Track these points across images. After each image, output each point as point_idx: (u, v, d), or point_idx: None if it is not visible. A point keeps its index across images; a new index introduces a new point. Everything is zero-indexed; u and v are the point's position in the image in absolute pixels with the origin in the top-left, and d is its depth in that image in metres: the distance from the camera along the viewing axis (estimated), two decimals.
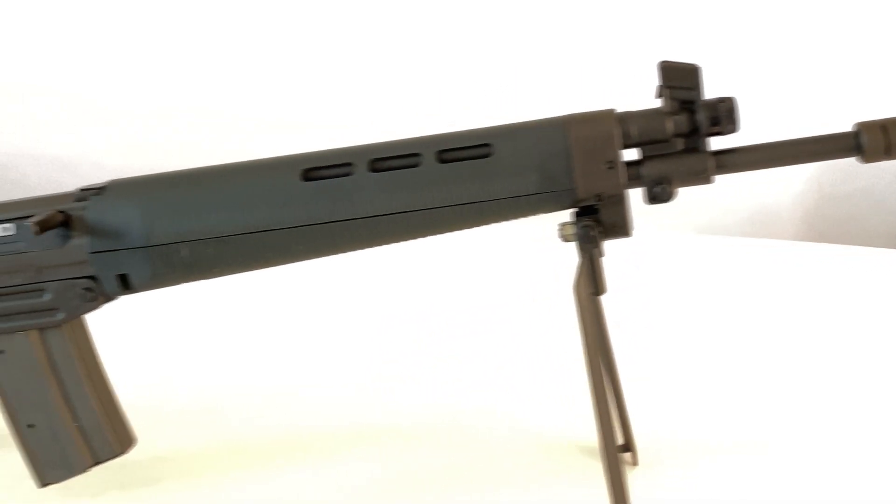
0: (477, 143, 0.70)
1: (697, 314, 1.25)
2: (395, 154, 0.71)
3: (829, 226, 1.84)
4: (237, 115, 1.93)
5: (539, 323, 1.22)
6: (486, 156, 0.69)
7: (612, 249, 0.75)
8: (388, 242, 0.73)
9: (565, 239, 0.72)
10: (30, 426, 0.80)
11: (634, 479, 0.85)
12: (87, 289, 0.77)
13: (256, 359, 1.16)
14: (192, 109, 1.95)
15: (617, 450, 0.69)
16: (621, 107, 0.70)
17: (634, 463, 0.88)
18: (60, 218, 0.75)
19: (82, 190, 0.76)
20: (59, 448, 0.80)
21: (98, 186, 0.76)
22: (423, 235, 0.72)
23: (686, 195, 0.71)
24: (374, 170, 0.71)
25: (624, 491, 0.68)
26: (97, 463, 0.81)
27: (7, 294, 0.78)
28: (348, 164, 0.71)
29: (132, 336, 0.89)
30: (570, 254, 0.70)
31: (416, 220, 0.71)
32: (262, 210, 0.73)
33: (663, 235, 1.54)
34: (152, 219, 0.74)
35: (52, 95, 2.01)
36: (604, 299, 0.71)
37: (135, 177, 0.76)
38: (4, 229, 0.77)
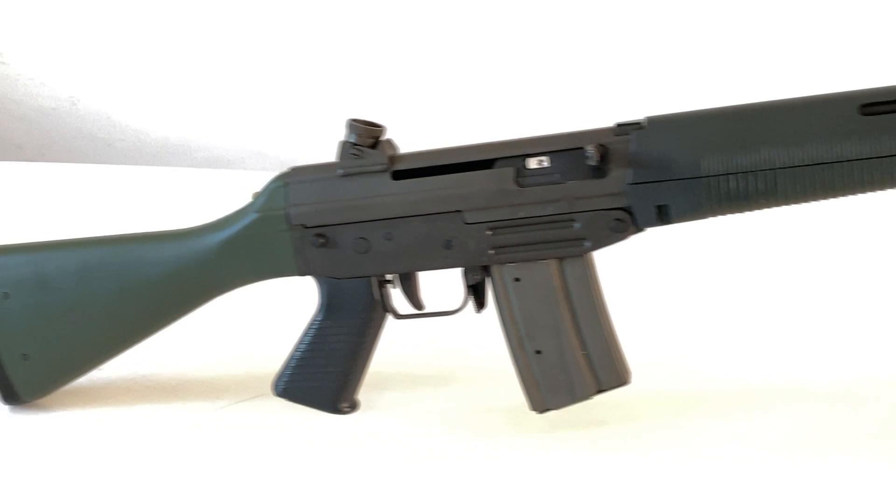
0: None
1: None
2: None
3: None
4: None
5: None
6: None
7: None
8: None
9: None
10: (537, 352, 0.85)
11: None
12: (619, 220, 0.81)
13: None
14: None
15: None
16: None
17: None
18: (603, 150, 0.79)
19: (619, 125, 0.81)
20: (565, 375, 0.84)
21: (636, 122, 0.80)
22: None
23: None
24: None
25: None
26: (600, 391, 0.84)
27: (537, 224, 0.83)
28: None
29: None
30: None
31: None
32: (815, 144, 0.75)
33: None
34: (702, 151, 0.78)
35: None
36: None
37: (674, 113, 0.80)
38: (539, 162, 0.82)
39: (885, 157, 0.74)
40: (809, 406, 0.92)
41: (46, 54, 2.39)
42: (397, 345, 1.01)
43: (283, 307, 1.06)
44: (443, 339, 1.05)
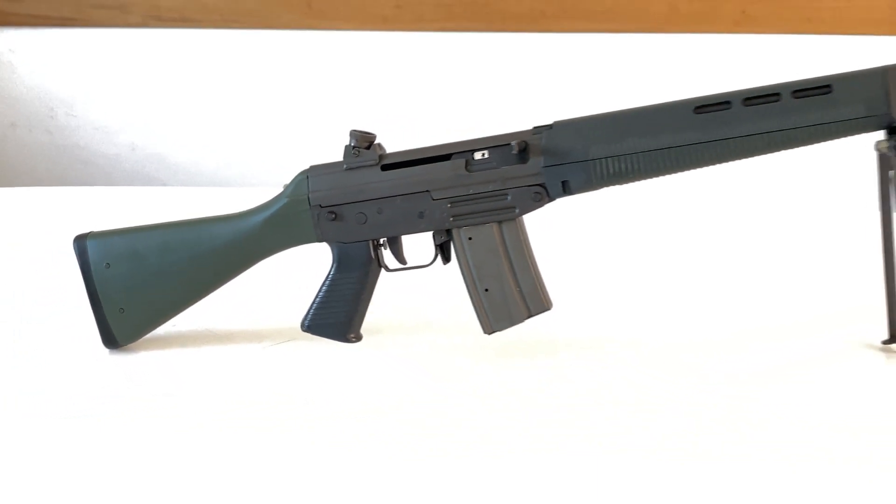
0: (821, 85, 1.05)
1: None
2: (763, 94, 1.07)
3: None
4: None
5: None
6: (827, 92, 1.04)
7: None
8: (753, 156, 1.08)
9: (880, 151, 1.06)
10: (486, 290, 1.19)
11: None
12: (537, 192, 1.16)
13: None
14: None
15: None
16: None
17: None
18: (524, 145, 1.14)
19: (535, 128, 1.16)
20: (505, 305, 1.18)
21: (547, 125, 1.15)
22: (780, 150, 1.07)
23: None
24: (747, 104, 1.07)
25: None
26: (530, 315, 1.18)
27: (481, 198, 1.17)
28: (728, 102, 1.08)
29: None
30: None
31: (777, 137, 1.06)
32: (666, 135, 1.10)
33: None
34: (589, 142, 1.12)
35: None
36: None
37: (572, 118, 1.15)
38: (482, 155, 1.17)
39: (712, 141, 1.08)
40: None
41: (109, 107, 2.78)
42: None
43: (298, 275, 1.39)
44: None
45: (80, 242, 1.29)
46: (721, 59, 2.45)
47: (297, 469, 0.94)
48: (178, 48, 2.65)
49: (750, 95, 1.07)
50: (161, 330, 1.33)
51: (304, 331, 1.27)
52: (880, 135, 1.05)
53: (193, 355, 1.29)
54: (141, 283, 1.28)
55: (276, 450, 0.99)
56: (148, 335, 1.32)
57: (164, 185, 2.81)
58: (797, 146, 1.07)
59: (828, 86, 1.05)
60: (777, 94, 1.06)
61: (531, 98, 2.44)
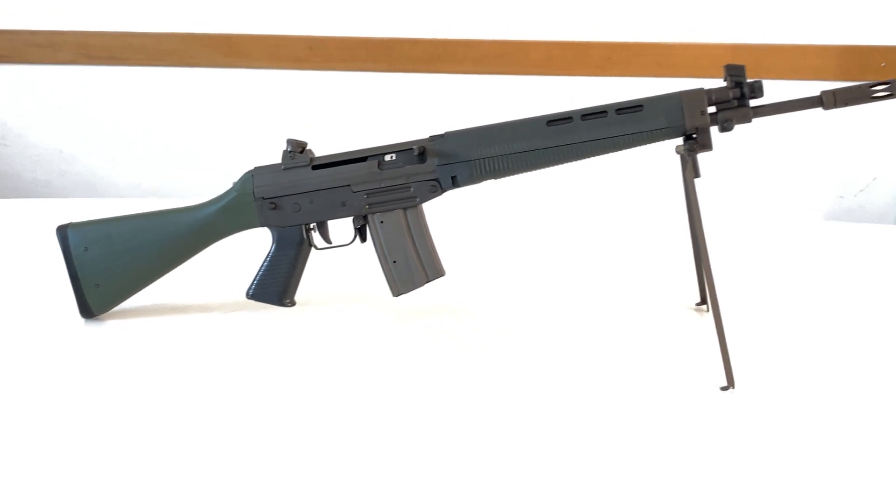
0: (636, 105, 1.44)
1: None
2: (596, 111, 1.45)
3: None
4: None
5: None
6: (640, 110, 1.44)
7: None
8: (591, 156, 1.46)
9: (679, 153, 1.46)
10: (394, 262, 1.53)
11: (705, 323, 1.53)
12: (433, 185, 1.51)
13: None
14: None
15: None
16: None
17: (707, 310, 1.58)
18: (423, 149, 1.50)
19: (431, 137, 1.52)
20: (409, 273, 1.52)
21: (440, 134, 1.51)
22: (608, 152, 1.46)
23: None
24: (584, 119, 1.46)
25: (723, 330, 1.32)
26: (428, 280, 1.53)
27: (391, 190, 1.52)
28: (570, 118, 1.46)
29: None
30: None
31: (605, 143, 1.45)
32: (526, 141, 1.47)
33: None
34: (471, 147, 1.49)
35: None
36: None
37: (459, 129, 1.51)
38: (391, 157, 1.53)
39: (559, 146, 1.47)
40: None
41: (40, 137, 2.99)
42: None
43: (243, 258, 1.73)
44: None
45: (62, 231, 1.58)
46: (589, 97, 2.82)
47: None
48: (105, 84, 2.87)
49: (586, 112, 1.46)
50: (127, 303, 1.62)
51: (248, 298, 1.58)
52: (680, 140, 1.45)
53: (154, 325, 1.58)
54: (114, 263, 1.57)
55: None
56: (117, 307, 1.61)
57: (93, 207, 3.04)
58: (622, 149, 1.46)
59: (640, 105, 1.44)
60: (605, 112, 1.45)
61: (424, 127, 2.79)
